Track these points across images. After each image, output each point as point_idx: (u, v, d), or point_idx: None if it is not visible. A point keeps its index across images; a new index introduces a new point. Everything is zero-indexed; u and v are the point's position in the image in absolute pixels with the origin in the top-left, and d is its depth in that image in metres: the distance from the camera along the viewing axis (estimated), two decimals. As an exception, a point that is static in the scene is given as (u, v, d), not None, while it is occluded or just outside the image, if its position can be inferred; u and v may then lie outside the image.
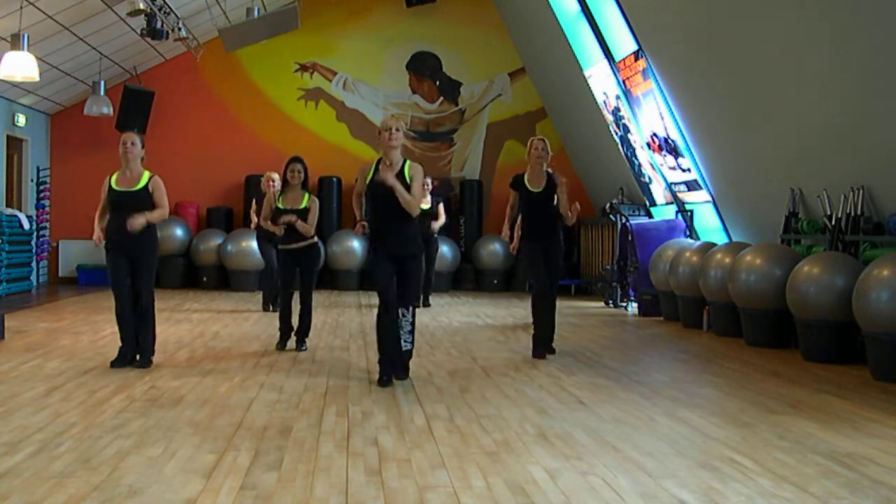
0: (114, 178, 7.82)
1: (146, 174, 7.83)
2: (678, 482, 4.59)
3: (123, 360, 7.77)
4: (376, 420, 5.96)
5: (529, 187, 8.86)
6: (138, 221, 7.55)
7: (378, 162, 7.40)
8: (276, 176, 12.73)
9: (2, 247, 14.01)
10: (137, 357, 7.82)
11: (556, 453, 5.13)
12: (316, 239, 9.20)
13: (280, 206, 9.02)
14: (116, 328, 7.91)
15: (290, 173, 9.08)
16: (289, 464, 4.82)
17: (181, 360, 8.25)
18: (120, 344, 7.87)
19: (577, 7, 13.87)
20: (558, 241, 9.04)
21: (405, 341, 7.41)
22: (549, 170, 8.91)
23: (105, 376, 7.35)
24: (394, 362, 7.39)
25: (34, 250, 16.13)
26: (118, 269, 7.78)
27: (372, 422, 5.90)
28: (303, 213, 9.00)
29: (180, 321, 11.34)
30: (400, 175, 7.26)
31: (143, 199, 7.72)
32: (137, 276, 7.80)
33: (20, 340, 9.37)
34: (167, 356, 8.46)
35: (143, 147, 7.88)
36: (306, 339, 9.11)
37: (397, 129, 7.30)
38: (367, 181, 7.36)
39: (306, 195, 9.10)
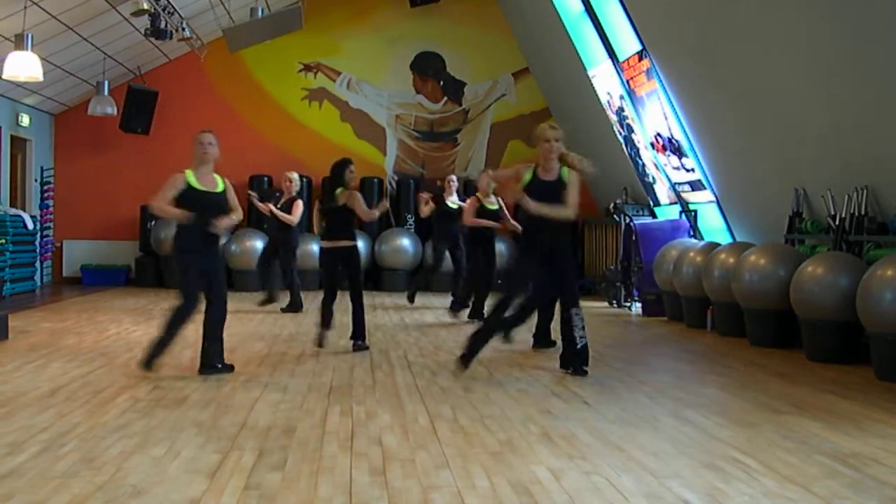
0: (191, 177, 7.50)
1: (219, 177, 7.65)
2: (682, 482, 4.58)
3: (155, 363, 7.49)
4: (380, 420, 5.96)
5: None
6: (225, 224, 7.46)
7: (536, 167, 7.79)
8: (295, 175, 12.78)
9: (6, 247, 14.03)
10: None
11: (560, 453, 5.13)
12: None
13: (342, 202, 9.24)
14: (170, 328, 7.53)
15: (349, 174, 9.20)
16: (293, 464, 4.82)
17: (185, 361, 8.25)
18: (161, 345, 7.45)
19: (581, 7, 13.86)
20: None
21: (580, 338, 7.77)
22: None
23: (109, 376, 7.36)
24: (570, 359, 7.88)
25: (38, 250, 16.15)
26: (195, 272, 7.53)
27: (376, 422, 5.90)
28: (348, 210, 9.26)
29: (184, 321, 11.33)
30: (558, 180, 7.65)
31: (224, 203, 7.59)
32: (218, 280, 7.64)
33: (24, 340, 9.38)
34: (171, 356, 8.45)
35: (217, 148, 7.69)
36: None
37: (557, 140, 7.66)
38: (524, 184, 7.71)
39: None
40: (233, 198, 7.69)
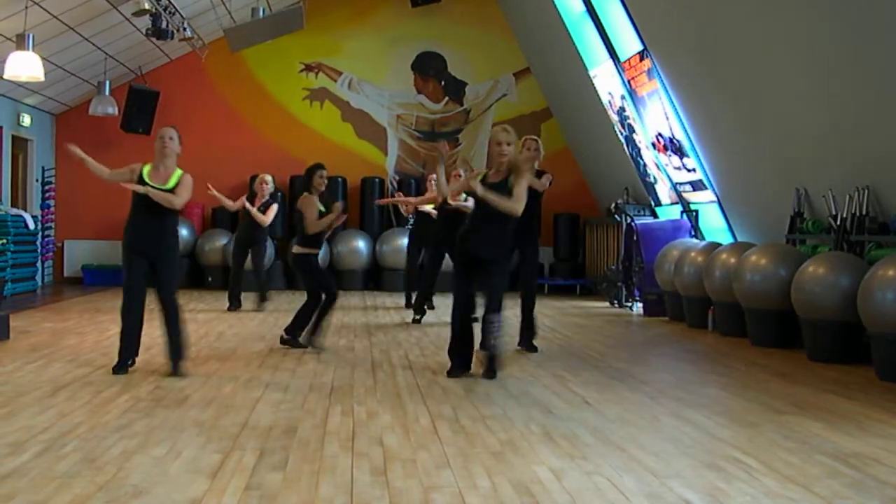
0: (146, 170, 7.54)
1: (178, 172, 7.59)
2: (683, 482, 4.58)
3: (124, 365, 7.53)
4: (381, 420, 5.96)
5: None
6: (130, 186, 7.39)
7: (486, 173, 7.70)
8: (269, 178, 12.89)
9: (7, 247, 14.03)
10: (134, 361, 7.68)
11: (562, 453, 5.13)
12: None
13: (322, 209, 9.14)
14: (120, 329, 7.67)
15: (318, 178, 9.11)
16: (294, 464, 4.83)
17: (186, 360, 8.26)
18: (119, 346, 7.60)
19: (582, 7, 13.86)
20: (535, 244, 9.23)
21: (492, 346, 7.59)
22: (539, 169, 9.07)
23: (110, 376, 7.36)
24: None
25: (39, 250, 16.16)
26: (135, 268, 7.51)
27: (377, 422, 5.91)
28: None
29: (185, 321, 11.33)
30: (506, 182, 7.50)
31: None
32: (160, 280, 7.53)
33: (25, 341, 9.38)
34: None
35: (180, 143, 7.67)
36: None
37: (509, 144, 7.54)
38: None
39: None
40: (180, 190, 7.51)
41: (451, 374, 7.60)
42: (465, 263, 7.72)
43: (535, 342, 9.21)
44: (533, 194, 8.57)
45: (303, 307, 9.16)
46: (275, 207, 12.71)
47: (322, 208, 9.09)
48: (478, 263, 7.60)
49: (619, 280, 14.46)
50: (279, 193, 17.15)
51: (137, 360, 7.75)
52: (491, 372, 7.55)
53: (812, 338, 8.99)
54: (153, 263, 7.52)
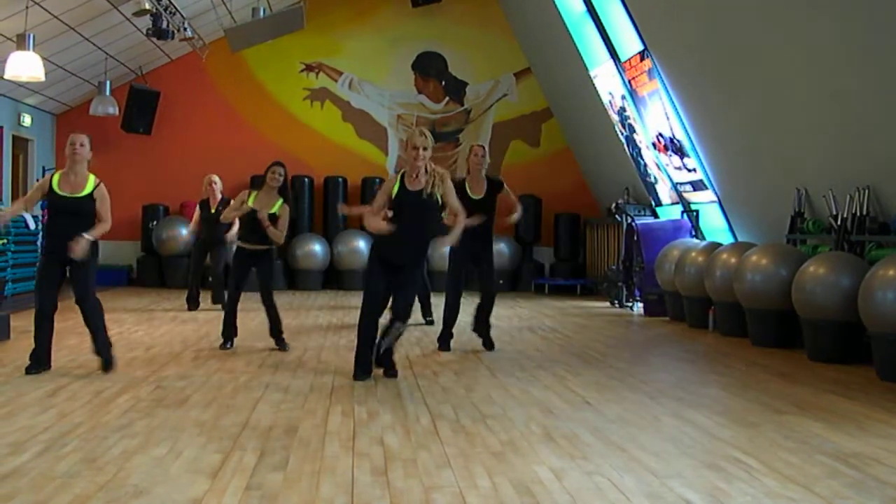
0: (56, 179, 7.44)
1: (91, 179, 7.49)
2: (684, 482, 4.58)
3: (38, 365, 7.54)
4: (382, 420, 5.96)
5: (470, 194, 8.91)
6: (82, 246, 7.25)
7: (402, 175, 7.48)
8: (216, 178, 12.81)
9: (8, 247, 14.02)
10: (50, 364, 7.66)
11: (562, 453, 5.13)
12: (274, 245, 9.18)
13: (251, 205, 8.95)
14: (33, 334, 7.67)
15: (270, 174, 8.98)
16: (294, 464, 4.83)
17: (187, 361, 8.26)
18: (34, 347, 7.64)
19: (583, 7, 13.86)
20: (492, 247, 9.28)
21: (385, 347, 7.54)
22: (490, 176, 9.19)
23: (110, 376, 7.36)
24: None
25: (40, 250, 16.14)
26: (50, 276, 7.57)
27: (377, 422, 5.90)
28: (271, 218, 8.87)
29: (186, 321, 11.35)
30: (430, 193, 7.32)
31: (88, 208, 7.42)
32: (77, 284, 7.54)
33: (26, 340, 9.33)
34: (173, 356, 8.47)
35: (91, 149, 7.52)
36: (284, 338, 9.14)
37: (425, 149, 7.33)
38: (393, 195, 7.38)
39: (280, 201, 9.00)
40: (102, 208, 7.50)
41: (357, 377, 7.41)
42: (384, 268, 7.47)
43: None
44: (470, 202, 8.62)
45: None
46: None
47: (249, 203, 8.96)
48: (396, 269, 7.43)
49: (620, 280, 14.46)
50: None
51: (135, 360, 7.74)
52: (393, 370, 7.57)
53: (812, 338, 8.99)
54: (69, 266, 7.51)
